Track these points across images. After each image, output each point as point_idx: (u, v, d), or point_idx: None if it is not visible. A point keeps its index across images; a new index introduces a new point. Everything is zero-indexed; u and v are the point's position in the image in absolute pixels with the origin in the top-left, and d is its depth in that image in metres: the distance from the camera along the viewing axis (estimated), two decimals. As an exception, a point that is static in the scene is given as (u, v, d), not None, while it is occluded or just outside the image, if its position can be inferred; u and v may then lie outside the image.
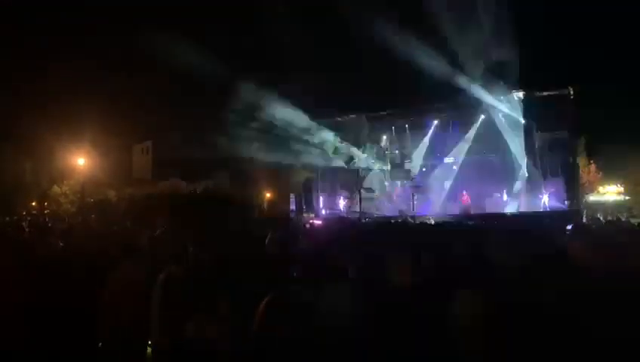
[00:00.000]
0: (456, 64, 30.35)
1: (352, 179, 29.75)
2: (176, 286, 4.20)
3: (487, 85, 29.09)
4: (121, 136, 37.56)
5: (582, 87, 28.19)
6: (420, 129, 32.16)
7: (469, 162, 30.60)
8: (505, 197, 29.27)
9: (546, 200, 27.41)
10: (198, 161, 38.68)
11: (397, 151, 31.95)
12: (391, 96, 29.08)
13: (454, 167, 31.34)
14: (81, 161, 34.19)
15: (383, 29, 27.19)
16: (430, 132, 31.56)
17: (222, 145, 33.09)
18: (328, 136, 31.02)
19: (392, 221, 8.15)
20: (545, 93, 28.45)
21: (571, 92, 27.76)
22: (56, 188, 36.64)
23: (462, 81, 28.78)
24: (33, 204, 34.99)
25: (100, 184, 34.32)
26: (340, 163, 31.46)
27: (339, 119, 31.74)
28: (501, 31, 31.16)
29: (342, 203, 30.59)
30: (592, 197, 41.78)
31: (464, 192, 29.24)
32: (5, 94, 32.78)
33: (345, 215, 23.06)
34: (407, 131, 32.36)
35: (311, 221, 19.98)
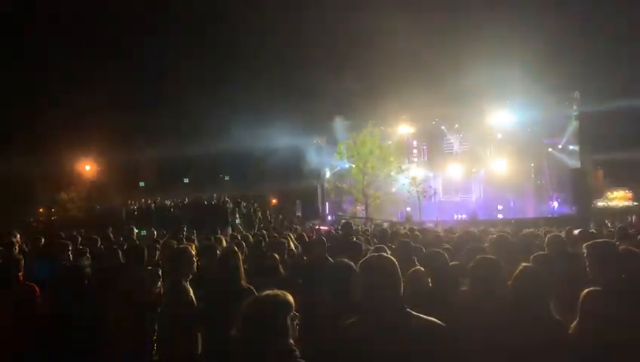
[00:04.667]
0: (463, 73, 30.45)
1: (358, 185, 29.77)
2: (185, 293, 4.20)
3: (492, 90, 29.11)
4: (128, 142, 37.68)
5: (589, 91, 28.00)
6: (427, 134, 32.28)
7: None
8: (512, 204, 29.22)
9: (556, 206, 27.36)
10: (204, 166, 38.85)
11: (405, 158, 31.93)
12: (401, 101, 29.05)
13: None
14: (87, 167, 34.42)
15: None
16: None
17: (227, 151, 33.21)
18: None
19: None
20: (552, 98, 28.38)
21: (578, 96, 27.69)
22: (63, 195, 36.79)
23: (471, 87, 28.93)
24: (41, 210, 35.13)
25: (107, 190, 34.46)
26: (345, 167, 31.50)
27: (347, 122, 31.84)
28: (509, 38, 31.18)
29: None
30: (600, 203, 41.48)
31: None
32: (11, 100, 32.98)
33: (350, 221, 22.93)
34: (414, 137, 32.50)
35: (317, 227, 19.95)
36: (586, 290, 3.18)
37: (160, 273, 4.88)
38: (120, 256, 5.94)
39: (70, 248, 6.40)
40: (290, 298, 2.31)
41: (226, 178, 40.69)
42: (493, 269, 3.77)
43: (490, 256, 4.06)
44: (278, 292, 2.33)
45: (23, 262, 4.68)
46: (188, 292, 4.21)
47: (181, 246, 5.08)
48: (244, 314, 2.26)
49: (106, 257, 6.37)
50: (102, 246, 7.67)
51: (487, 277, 3.67)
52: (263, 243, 7.37)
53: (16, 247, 7.04)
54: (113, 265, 5.81)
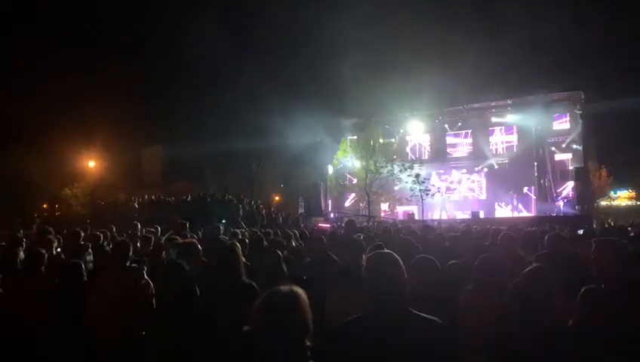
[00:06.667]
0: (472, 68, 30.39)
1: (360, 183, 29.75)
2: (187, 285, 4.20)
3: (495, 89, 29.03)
4: (131, 138, 37.75)
5: (594, 91, 27.89)
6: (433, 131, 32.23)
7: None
8: (515, 202, 29.20)
9: (561, 206, 27.32)
10: (207, 162, 38.86)
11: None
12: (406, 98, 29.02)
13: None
14: (91, 163, 34.45)
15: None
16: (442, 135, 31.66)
17: (231, 147, 33.25)
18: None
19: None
20: (556, 97, 28.29)
21: (582, 96, 27.59)
22: (67, 191, 36.87)
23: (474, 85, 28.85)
24: (44, 206, 35.23)
25: (110, 186, 34.51)
26: (347, 165, 31.47)
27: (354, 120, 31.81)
28: (515, 36, 31.11)
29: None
30: (604, 203, 41.41)
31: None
32: (17, 97, 33.09)
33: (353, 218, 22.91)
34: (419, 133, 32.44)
35: (319, 225, 19.95)
36: (584, 288, 3.19)
37: (145, 270, 4.84)
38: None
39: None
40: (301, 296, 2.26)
41: (229, 175, 40.68)
42: (494, 267, 3.77)
43: (491, 255, 4.06)
44: (296, 288, 2.26)
45: (46, 257, 4.73)
46: (190, 286, 4.22)
47: (187, 240, 5.08)
48: (268, 309, 2.19)
49: (100, 254, 6.38)
50: (103, 243, 7.67)
51: (488, 275, 3.68)
52: (265, 241, 7.37)
53: (23, 244, 7.03)
54: (103, 263, 5.79)
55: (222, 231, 8.75)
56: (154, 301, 4.54)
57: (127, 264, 4.86)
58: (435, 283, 4.05)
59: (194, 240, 4.75)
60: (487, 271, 3.70)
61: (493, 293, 3.53)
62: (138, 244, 6.57)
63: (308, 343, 2.18)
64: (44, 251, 4.82)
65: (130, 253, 5.15)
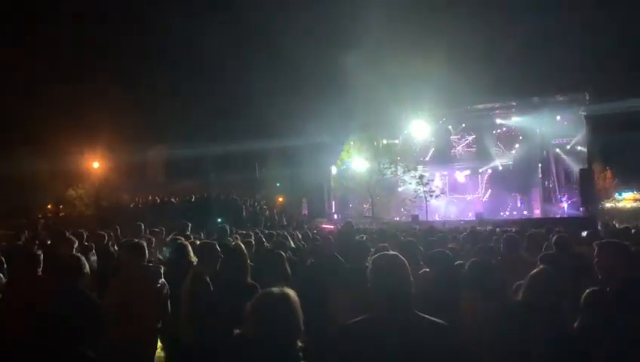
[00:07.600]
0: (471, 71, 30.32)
1: (364, 184, 29.68)
2: (202, 285, 4.23)
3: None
4: (135, 139, 37.83)
5: (598, 92, 27.74)
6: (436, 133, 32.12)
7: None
8: (519, 204, 29.12)
9: (565, 207, 27.23)
10: (210, 163, 38.92)
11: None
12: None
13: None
14: (95, 164, 34.54)
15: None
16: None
17: (234, 148, 33.30)
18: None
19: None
20: (561, 98, 28.17)
21: (587, 97, 27.46)
22: (71, 191, 36.97)
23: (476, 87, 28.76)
24: (49, 206, 35.33)
25: (115, 187, 34.58)
26: (351, 166, 31.43)
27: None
28: (518, 37, 31.04)
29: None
30: (608, 204, 41.11)
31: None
32: (21, 97, 33.23)
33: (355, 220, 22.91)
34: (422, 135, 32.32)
35: (323, 225, 19.96)
36: (588, 290, 3.18)
37: (162, 270, 4.87)
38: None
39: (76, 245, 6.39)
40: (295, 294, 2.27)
41: (232, 176, 40.71)
42: (486, 271, 3.76)
43: (481, 259, 4.05)
44: (287, 289, 2.27)
45: (42, 257, 4.73)
46: (209, 286, 4.23)
47: (208, 241, 5.11)
48: (256, 311, 2.19)
49: (106, 255, 6.39)
50: (108, 244, 7.69)
51: (481, 278, 3.67)
52: (267, 242, 7.37)
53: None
54: (112, 263, 5.80)
55: (228, 232, 8.74)
56: (169, 302, 4.58)
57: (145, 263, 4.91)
58: (441, 285, 4.05)
59: (214, 243, 4.77)
60: (479, 275, 3.69)
61: (489, 296, 3.51)
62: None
63: (300, 343, 2.18)
64: (39, 252, 4.82)
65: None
